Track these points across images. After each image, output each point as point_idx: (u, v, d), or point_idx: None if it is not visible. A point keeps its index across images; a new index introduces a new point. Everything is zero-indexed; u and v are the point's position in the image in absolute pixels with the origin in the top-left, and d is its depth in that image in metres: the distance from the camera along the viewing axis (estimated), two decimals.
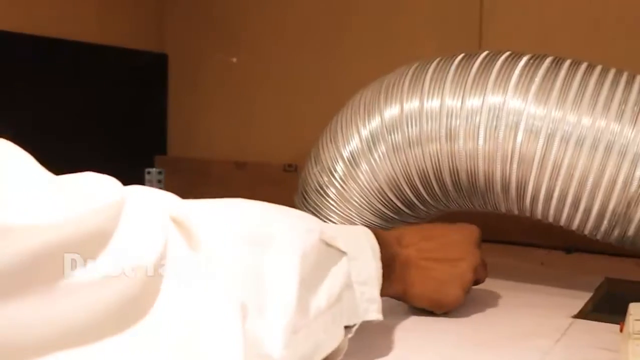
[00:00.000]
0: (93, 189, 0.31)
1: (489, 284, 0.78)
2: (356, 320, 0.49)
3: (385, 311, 0.53)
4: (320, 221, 0.54)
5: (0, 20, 1.05)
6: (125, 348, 0.29)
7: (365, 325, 0.51)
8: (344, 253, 0.49)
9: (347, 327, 0.48)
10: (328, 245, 0.48)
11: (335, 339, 0.46)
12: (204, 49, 1.33)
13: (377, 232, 0.57)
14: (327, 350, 0.45)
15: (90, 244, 0.29)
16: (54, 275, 0.27)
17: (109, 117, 1.26)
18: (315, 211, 0.78)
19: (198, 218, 0.38)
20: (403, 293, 0.61)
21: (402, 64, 0.80)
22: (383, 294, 0.53)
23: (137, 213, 0.33)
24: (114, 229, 0.30)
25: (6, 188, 0.26)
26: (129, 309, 0.30)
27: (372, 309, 0.51)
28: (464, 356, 0.55)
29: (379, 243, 0.55)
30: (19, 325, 0.25)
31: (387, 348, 0.56)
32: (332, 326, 0.46)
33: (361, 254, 0.52)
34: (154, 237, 0.33)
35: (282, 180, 1.20)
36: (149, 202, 0.37)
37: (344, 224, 0.77)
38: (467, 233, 0.66)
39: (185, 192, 1.31)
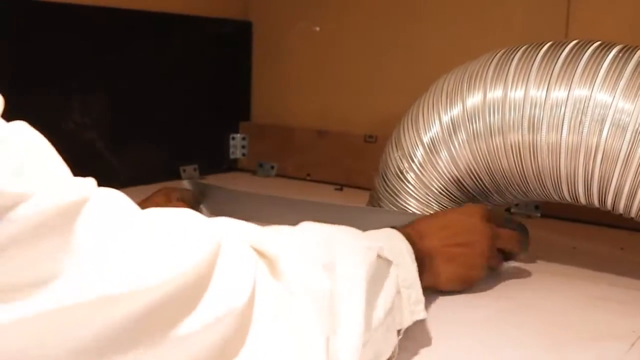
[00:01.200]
0: (189, 239, 0.33)
1: (567, 271, 0.79)
2: (405, 324, 0.52)
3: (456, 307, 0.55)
4: (368, 234, 0.57)
5: None
6: None
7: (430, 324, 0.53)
8: (390, 262, 0.52)
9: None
10: (380, 257, 0.51)
11: (391, 345, 0.50)
12: (288, 17, 1.34)
13: (403, 231, 0.60)
14: (385, 356, 0.49)
15: (190, 297, 0.31)
16: (159, 331, 0.29)
17: (196, 85, 1.30)
18: (394, 195, 0.80)
19: (276, 247, 0.40)
20: (433, 283, 0.65)
21: (487, 47, 0.80)
22: None
23: (230, 255, 0.35)
24: (211, 277, 0.33)
25: (109, 253, 0.28)
26: (227, 349, 0.33)
27: (418, 309, 0.54)
28: (528, 356, 0.55)
29: (409, 242, 0.58)
30: None
31: (454, 346, 0.57)
32: (388, 334, 0.49)
33: (402, 259, 0.55)
34: (246, 277, 0.35)
35: (362, 150, 1.21)
36: (236, 236, 0.39)
37: (423, 209, 0.78)
38: (474, 213, 0.69)
39: (269, 158, 1.35)
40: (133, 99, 1.18)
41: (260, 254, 0.39)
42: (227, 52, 1.36)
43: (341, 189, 1.22)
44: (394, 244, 0.56)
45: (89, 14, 1.09)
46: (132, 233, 0.29)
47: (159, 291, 0.29)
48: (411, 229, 0.64)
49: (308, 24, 1.31)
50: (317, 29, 1.30)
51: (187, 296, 0.31)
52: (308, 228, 0.49)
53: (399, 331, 0.51)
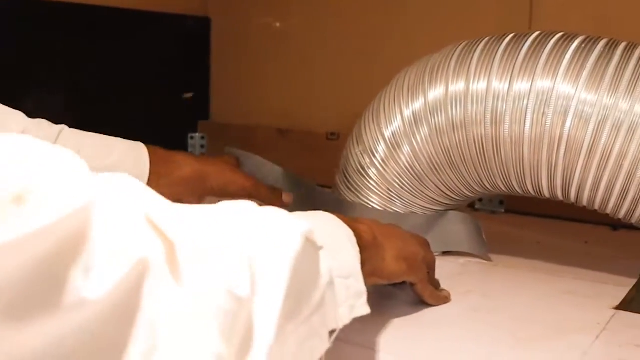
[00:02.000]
0: (58, 194, 0.26)
1: (531, 265, 0.78)
2: (342, 322, 0.43)
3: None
4: (300, 214, 0.47)
5: None
6: None
7: (385, 320, 0.50)
8: (320, 247, 0.42)
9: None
10: (310, 242, 0.40)
11: (314, 351, 0.39)
12: (248, 12, 1.31)
13: (338, 215, 0.51)
14: None
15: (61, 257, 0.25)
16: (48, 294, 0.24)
17: (153, 83, 1.27)
18: (355, 191, 0.78)
19: (181, 230, 0.32)
20: (373, 272, 0.53)
21: (451, 41, 0.78)
22: None
23: (110, 219, 0.28)
24: (85, 239, 0.26)
25: None
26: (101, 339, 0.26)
27: (359, 303, 0.45)
28: (496, 356, 0.54)
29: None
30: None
31: (418, 347, 0.56)
32: (311, 337, 0.39)
33: (338, 245, 0.46)
34: (123, 263, 0.28)
35: (324, 148, 1.19)
36: (130, 203, 0.31)
37: (385, 206, 0.77)
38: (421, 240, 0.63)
39: None
40: (90, 97, 1.15)
41: (159, 232, 0.30)
42: (185, 49, 1.33)
43: None
44: (327, 227, 0.48)
45: (44, 9, 1.06)
46: None
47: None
48: (355, 221, 0.54)
49: (270, 20, 1.29)
50: (278, 25, 1.28)
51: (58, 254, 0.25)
52: (226, 207, 0.39)
53: (331, 332, 0.41)
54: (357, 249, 0.48)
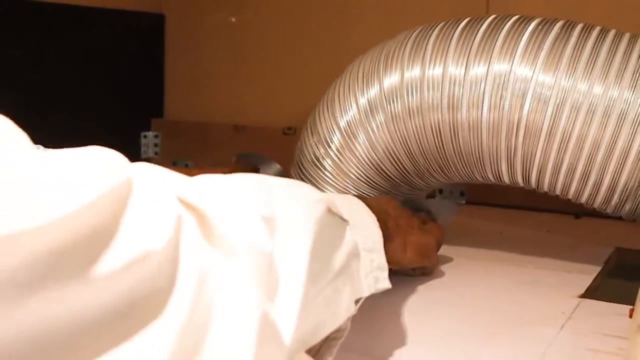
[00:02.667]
0: (96, 171, 0.28)
1: (493, 256, 0.76)
2: (367, 292, 0.45)
3: None
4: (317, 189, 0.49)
5: None
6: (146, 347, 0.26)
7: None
8: (346, 221, 0.45)
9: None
10: (333, 213, 0.43)
11: (337, 315, 0.41)
12: (203, 8, 1.28)
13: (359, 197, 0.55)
14: (329, 328, 0.40)
15: (99, 235, 0.26)
16: (71, 272, 0.24)
17: (106, 81, 1.22)
18: (311, 184, 0.75)
19: (208, 200, 0.34)
20: (397, 257, 0.58)
21: (406, 28, 0.76)
22: None
23: (144, 196, 0.29)
24: (121, 216, 0.27)
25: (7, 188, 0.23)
26: (147, 303, 0.27)
27: (382, 277, 0.47)
28: (459, 350, 0.52)
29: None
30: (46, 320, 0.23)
31: (377, 343, 0.53)
32: (335, 298, 0.41)
33: (360, 220, 0.48)
34: (164, 222, 0.29)
35: (281, 144, 1.16)
36: (158, 181, 0.33)
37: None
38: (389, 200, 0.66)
39: (184, 156, 1.28)
40: (40, 95, 1.10)
41: (189, 206, 0.33)
42: (139, 46, 1.28)
43: None
44: (350, 204, 0.49)
45: None
46: (27, 160, 0.25)
47: (62, 229, 0.24)
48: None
49: (224, 15, 1.26)
50: (233, 19, 1.25)
51: (96, 234, 0.26)
52: (253, 182, 0.42)
53: (357, 301, 0.43)
54: (377, 224, 0.50)
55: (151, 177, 0.34)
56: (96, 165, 0.28)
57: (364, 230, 0.47)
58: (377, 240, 0.48)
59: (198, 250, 0.31)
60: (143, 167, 0.34)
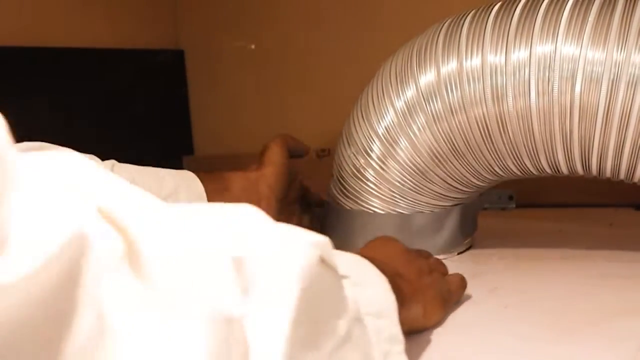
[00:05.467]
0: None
1: (557, 254, 0.71)
2: None
3: None
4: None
5: (13, 36, 1.00)
6: None
7: None
8: (344, 277, 0.35)
9: None
10: (327, 265, 0.32)
11: None
12: (220, 40, 1.26)
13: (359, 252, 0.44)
14: None
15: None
16: None
17: (131, 123, 1.20)
18: (354, 197, 0.71)
19: (146, 226, 0.25)
20: (415, 322, 0.48)
21: (431, 24, 0.72)
22: None
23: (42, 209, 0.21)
24: None
25: None
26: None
27: (395, 350, 0.37)
28: (541, 349, 0.46)
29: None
30: None
31: (453, 348, 0.48)
32: None
33: (366, 279, 0.39)
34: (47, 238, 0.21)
35: (316, 167, 1.12)
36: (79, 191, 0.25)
37: (389, 209, 0.69)
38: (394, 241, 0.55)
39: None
40: (63, 142, 1.08)
41: (118, 227, 0.24)
42: (161, 84, 1.26)
43: None
44: (349, 257, 0.40)
45: (11, 55, 1.00)
46: None
47: None
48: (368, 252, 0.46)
49: (243, 43, 1.23)
50: (253, 46, 1.22)
51: None
52: (222, 207, 0.32)
53: None
54: (389, 285, 0.40)
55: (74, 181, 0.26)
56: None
57: (370, 289, 0.39)
58: (388, 305, 0.39)
59: (115, 284, 0.23)
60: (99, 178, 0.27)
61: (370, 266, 0.41)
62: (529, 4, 0.63)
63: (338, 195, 0.73)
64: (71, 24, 1.11)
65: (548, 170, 0.65)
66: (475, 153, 0.66)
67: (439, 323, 0.51)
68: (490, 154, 0.65)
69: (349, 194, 0.71)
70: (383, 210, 0.69)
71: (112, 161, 0.66)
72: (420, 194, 0.69)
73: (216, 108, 1.27)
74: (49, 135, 1.05)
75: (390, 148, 0.68)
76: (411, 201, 0.69)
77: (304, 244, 0.31)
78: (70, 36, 1.10)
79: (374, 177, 0.69)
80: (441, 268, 0.57)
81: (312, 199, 0.81)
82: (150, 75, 1.24)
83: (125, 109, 1.19)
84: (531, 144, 0.63)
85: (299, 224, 0.78)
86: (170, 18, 1.30)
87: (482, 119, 0.64)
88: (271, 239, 0.30)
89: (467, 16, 0.66)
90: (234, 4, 1.24)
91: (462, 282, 0.56)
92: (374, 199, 0.70)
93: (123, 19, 1.21)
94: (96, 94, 1.14)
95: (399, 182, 0.69)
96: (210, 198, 0.67)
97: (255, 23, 1.22)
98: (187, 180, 0.68)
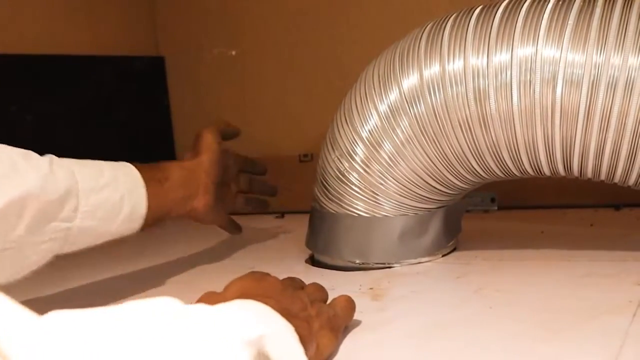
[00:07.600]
0: None
1: (540, 255, 0.71)
2: None
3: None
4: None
5: None
6: None
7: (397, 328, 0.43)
8: None
9: None
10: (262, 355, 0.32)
11: None
12: (200, 45, 1.25)
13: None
14: None
15: None
16: None
17: (112, 130, 1.20)
18: (338, 200, 0.71)
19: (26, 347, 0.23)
20: (311, 357, 0.44)
21: (415, 27, 0.72)
22: None
23: None
24: None
25: None
26: None
27: None
28: (528, 348, 0.47)
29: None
30: None
31: (438, 350, 0.48)
32: None
33: (289, 348, 0.38)
34: None
35: (298, 172, 1.12)
36: None
37: (372, 212, 0.70)
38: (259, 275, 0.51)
39: None
40: (42, 148, 1.08)
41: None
42: (141, 91, 1.26)
43: (282, 216, 1.13)
44: (272, 325, 0.38)
45: None
46: None
47: None
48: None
49: (223, 49, 1.23)
50: (234, 52, 1.22)
51: None
52: (134, 314, 0.29)
53: None
54: (300, 344, 0.39)
55: None
56: None
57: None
58: None
59: None
60: None
61: (280, 322, 0.39)
62: (510, 7, 0.64)
63: (322, 199, 0.73)
64: (51, 31, 1.10)
65: (530, 172, 0.66)
66: (458, 155, 0.66)
67: (333, 354, 0.48)
68: (473, 156, 0.66)
69: (333, 198, 0.71)
70: (367, 213, 0.70)
71: (51, 156, 0.65)
72: (404, 197, 0.69)
73: (197, 114, 1.27)
74: (27, 140, 1.04)
75: (374, 151, 0.69)
76: (395, 204, 0.69)
77: (242, 344, 0.30)
78: (51, 43, 1.10)
79: (358, 180, 0.70)
80: (321, 294, 0.54)
81: (255, 168, 0.88)
82: (130, 82, 1.24)
83: (106, 116, 1.19)
84: (514, 145, 0.63)
85: (233, 205, 0.83)
86: (149, 25, 1.30)
87: (465, 122, 0.64)
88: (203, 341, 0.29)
89: (448, 20, 0.67)
90: (214, 10, 1.24)
91: (348, 303, 0.52)
92: (358, 202, 0.70)
93: (103, 26, 1.20)
94: (77, 101, 1.14)
95: (382, 185, 0.69)
96: (150, 186, 0.68)
97: (236, 29, 1.22)
98: (125, 169, 0.69)
